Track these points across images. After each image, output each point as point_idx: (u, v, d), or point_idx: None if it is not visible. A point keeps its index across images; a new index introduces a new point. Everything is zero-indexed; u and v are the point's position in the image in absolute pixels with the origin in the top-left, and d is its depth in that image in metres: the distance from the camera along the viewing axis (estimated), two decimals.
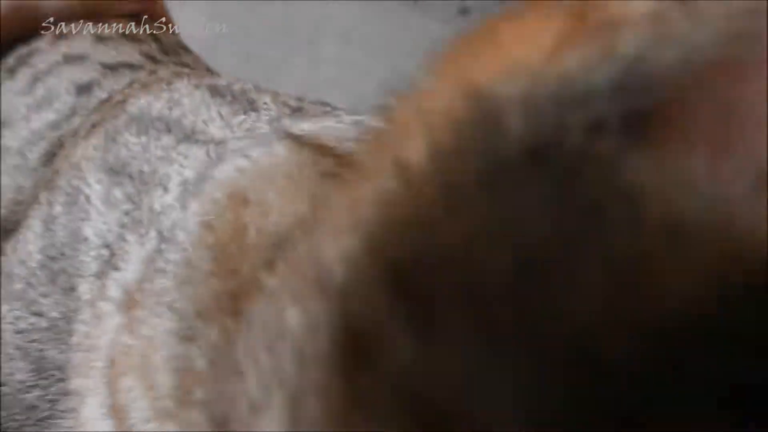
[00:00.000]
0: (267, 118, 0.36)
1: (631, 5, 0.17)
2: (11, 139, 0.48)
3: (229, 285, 0.27)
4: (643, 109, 0.16)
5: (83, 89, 0.49)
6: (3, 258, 0.40)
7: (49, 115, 0.48)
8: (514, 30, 0.19)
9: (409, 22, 1.10)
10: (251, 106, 0.37)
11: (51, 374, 0.32)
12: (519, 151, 0.16)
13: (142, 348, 0.30)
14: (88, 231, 0.35)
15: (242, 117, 0.37)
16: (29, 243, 0.38)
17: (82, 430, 0.31)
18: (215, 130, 0.36)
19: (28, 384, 0.33)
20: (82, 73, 0.50)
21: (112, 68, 0.50)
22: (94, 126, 0.42)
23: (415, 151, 0.17)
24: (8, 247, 0.40)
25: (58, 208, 0.37)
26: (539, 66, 0.17)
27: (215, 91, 0.38)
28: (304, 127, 0.32)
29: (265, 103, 0.38)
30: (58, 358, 0.32)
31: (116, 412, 0.29)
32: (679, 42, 0.16)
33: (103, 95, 0.46)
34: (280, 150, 0.31)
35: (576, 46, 0.17)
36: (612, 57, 0.16)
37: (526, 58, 0.17)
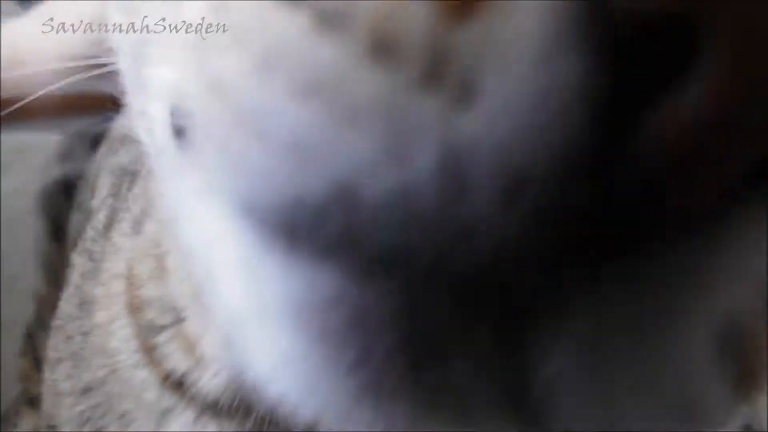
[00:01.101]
0: None
1: None
2: None
3: None
4: None
5: None
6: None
7: None
8: None
9: None
10: None
11: (87, 308, 0.40)
12: None
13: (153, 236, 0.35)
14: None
15: None
16: (100, 212, 0.48)
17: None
18: None
19: (74, 316, 0.41)
20: None
21: None
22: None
23: None
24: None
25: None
26: None
27: None
28: None
29: None
30: (91, 294, 0.40)
31: (134, 310, 0.35)
32: None
33: None
34: None
35: None
36: None
37: None
